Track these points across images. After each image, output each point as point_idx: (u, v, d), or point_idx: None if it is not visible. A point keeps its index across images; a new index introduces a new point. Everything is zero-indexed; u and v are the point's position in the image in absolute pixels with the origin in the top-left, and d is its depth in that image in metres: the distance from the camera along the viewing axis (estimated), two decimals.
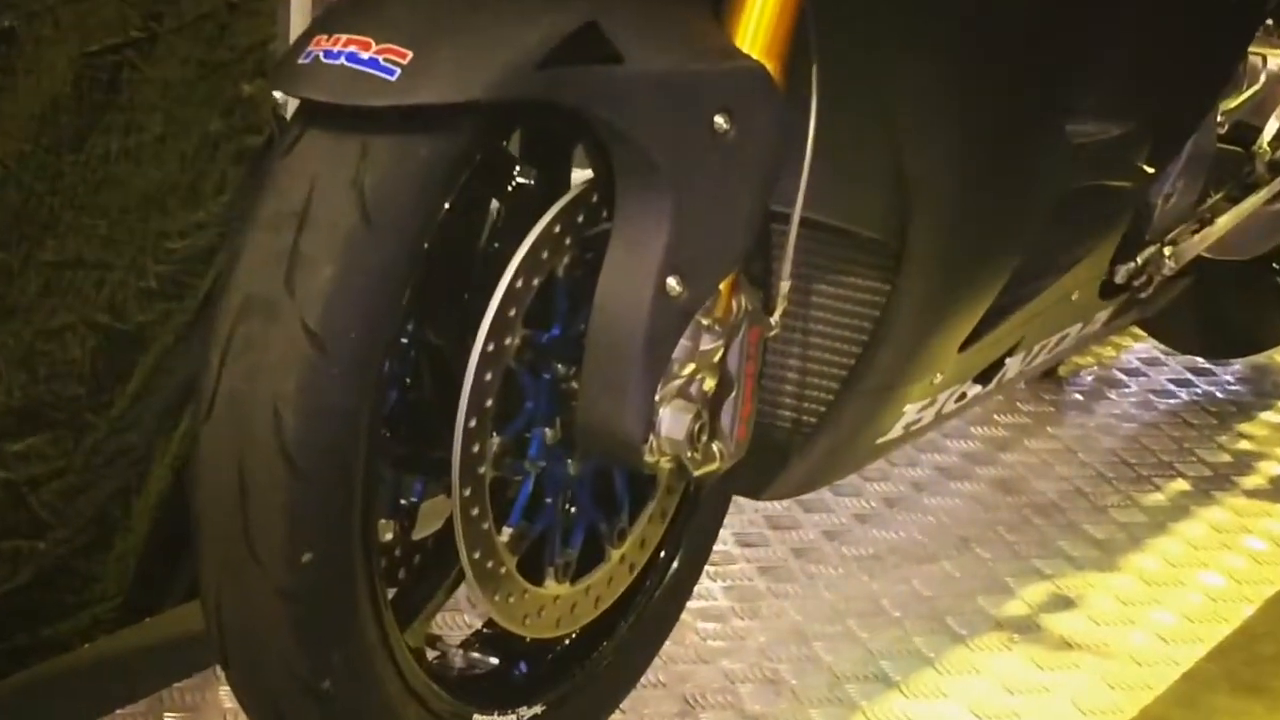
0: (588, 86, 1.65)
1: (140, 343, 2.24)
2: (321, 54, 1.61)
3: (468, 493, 1.70)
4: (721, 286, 1.78)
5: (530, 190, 1.76)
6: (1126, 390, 3.11)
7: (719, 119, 1.72)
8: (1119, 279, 2.38)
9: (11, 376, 2.11)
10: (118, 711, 2.03)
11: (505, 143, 1.75)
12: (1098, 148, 2.15)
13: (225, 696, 2.01)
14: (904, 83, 1.90)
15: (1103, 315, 2.43)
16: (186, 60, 2.24)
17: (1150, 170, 2.27)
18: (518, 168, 1.77)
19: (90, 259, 2.17)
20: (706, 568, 2.29)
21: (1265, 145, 2.57)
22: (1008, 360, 2.26)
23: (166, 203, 2.24)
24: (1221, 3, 2.28)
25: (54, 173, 2.12)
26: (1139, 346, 3.24)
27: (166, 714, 2.04)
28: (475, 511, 1.71)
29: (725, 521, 2.40)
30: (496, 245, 1.75)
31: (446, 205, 1.64)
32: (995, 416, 2.93)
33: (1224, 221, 2.55)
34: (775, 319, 1.88)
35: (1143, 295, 2.46)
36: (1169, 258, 2.45)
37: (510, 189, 1.76)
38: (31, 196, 2.10)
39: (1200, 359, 3.21)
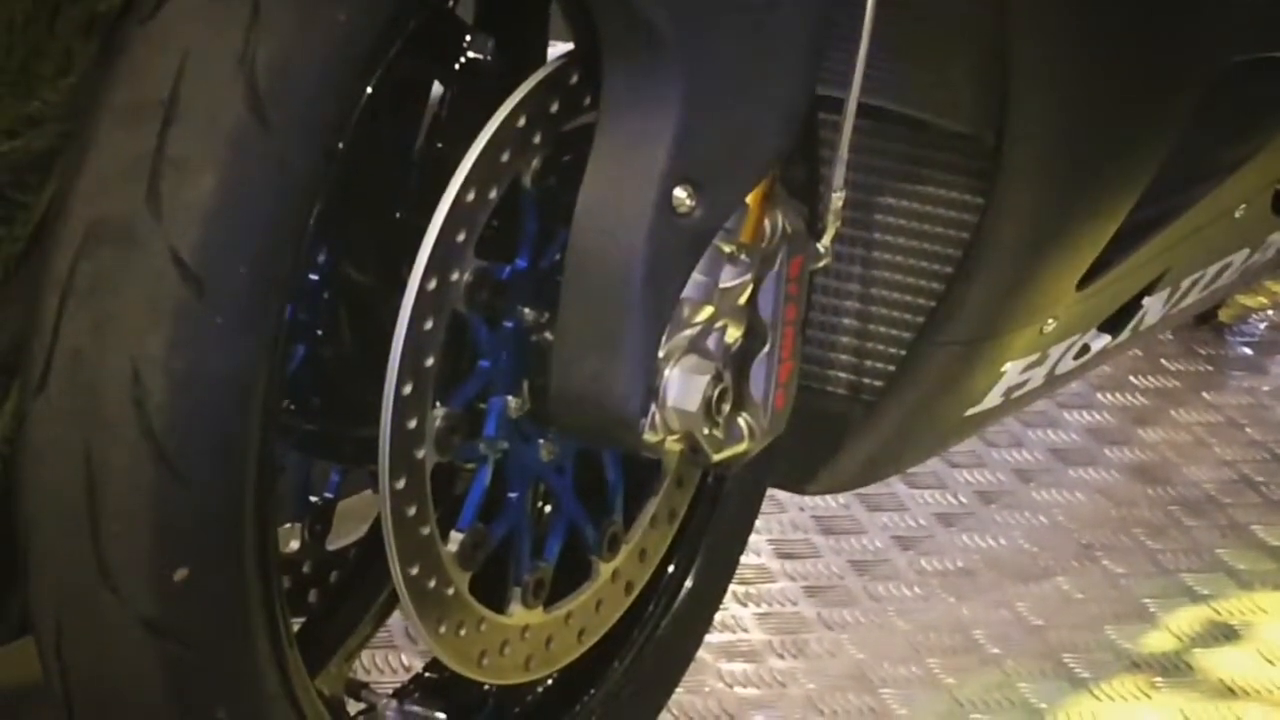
0: None
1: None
2: None
3: (401, 485, 1.70)
4: (749, 199, 1.78)
5: (486, 68, 1.78)
6: None
7: None
8: None
9: None
10: None
11: (452, 2, 1.76)
12: (1269, 4, 2.16)
13: None
14: None
15: (1277, 239, 2.44)
16: None
17: None
18: (469, 37, 1.78)
19: None
20: (737, 588, 2.31)
21: None
22: (1145, 300, 2.29)
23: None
24: None
25: None
26: None
27: None
28: (412, 511, 1.71)
29: (763, 524, 2.43)
30: (439, 145, 1.76)
31: (369, 89, 1.64)
32: (1132, 379, 2.95)
33: None
34: (825, 244, 1.88)
35: None
36: None
37: (459, 66, 1.78)
38: None
39: None
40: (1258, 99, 2.25)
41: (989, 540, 2.57)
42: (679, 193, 1.72)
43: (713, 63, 1.72)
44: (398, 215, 1.75)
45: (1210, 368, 3.02)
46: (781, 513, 2.54)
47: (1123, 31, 2.01)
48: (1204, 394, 2.94)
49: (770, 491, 2.10)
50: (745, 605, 2.41)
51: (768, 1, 1.73)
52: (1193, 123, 2.12)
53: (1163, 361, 3.01)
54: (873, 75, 1.88)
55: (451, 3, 1.76)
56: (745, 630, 2.37)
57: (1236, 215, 2.32)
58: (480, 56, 1.78)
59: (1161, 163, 2.11)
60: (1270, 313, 3.19)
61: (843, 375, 2.10)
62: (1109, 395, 2.90)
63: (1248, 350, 3.08)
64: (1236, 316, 3.14)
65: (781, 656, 2.33)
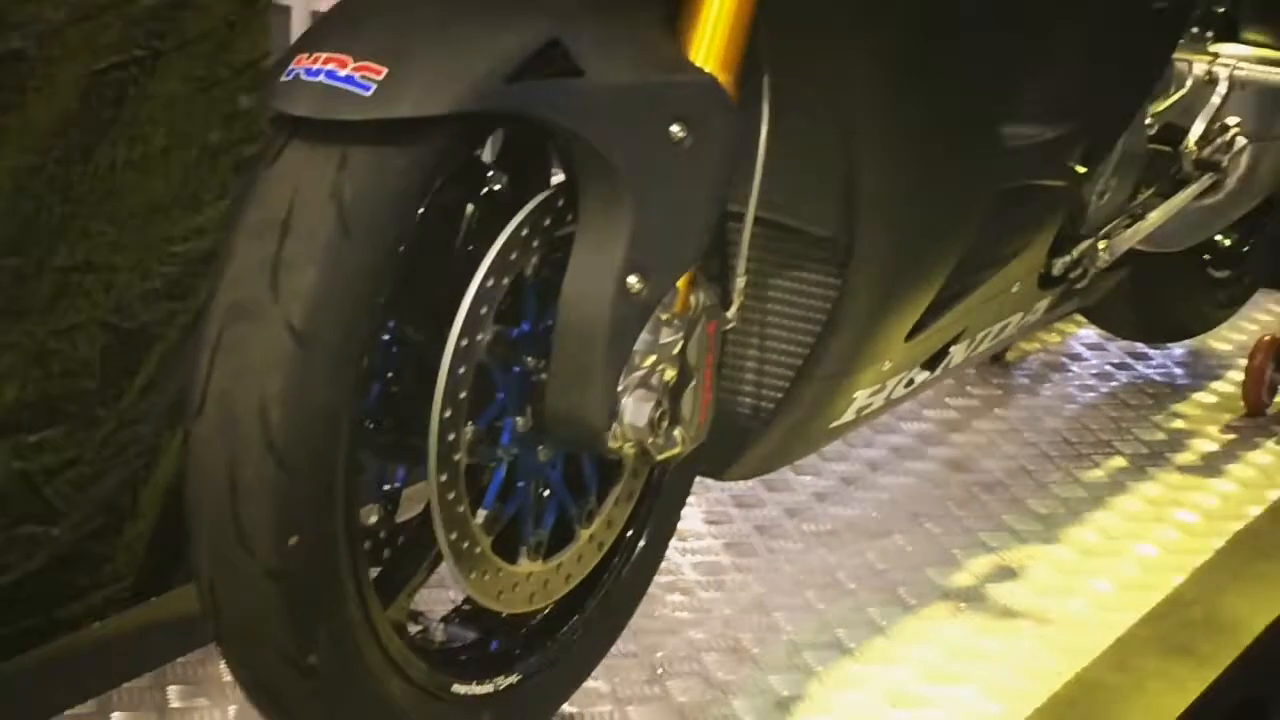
0: (551, 99, 1.65)
1: (146, 341, 2.24)
2: (303, 71, 1.61)
3: (444, 478, 1.69)
4: (679, 283, 1.78)
5: (502, 194, 1.76)
6: (1069, 374, 3.11)
7: (675, 128, 1.71)
8: (1056, 271, 2.38)
9: (26, 373, 2.11)
10: (125, 685, 2.03)
11: (478, 150, 1.75)
12: (1032, 150, 2.15)
13: (224, 671, 2.00)
14: (853, 91, 1.90)
15: (1042, 305, 2.43)
16: (187, 76, 2.24)
17: (1082, 170, 2.27)
18: (490, 173, 1.76)
19: (99, 263, 2.18)
20: (676, 544, 2.31)
21: (1192, 145, 2.57)
22: (953, 348, 2.26)
23: (170, 209, 2.24)
24: (1147, 13, 2.28)
25: (64, 184, 2.12)
26: (1082, 332, 3.23)
27: (169, 686, 2.04)
28: (452, 496, 1.71)
29: (694, 500, 2.43)
30: (470, 247, 1.74)
31: (421, 210, 1.64)
32: (946, 399, 2.93)
33: (1155, 217, 2.55)
34: (732, 313, 1.89)
35: (1079, 286, 2.46)
36: (1103, 251, 2.45)
37: (483, 194, 1.76)
38: (43, 206, 2.10)
39: (1139, 344, 3.20)
40: (1026, 212, 2.24)
41: (849, 510, 2.56)
42: (631, 280, 1.72)
43: (654, 193, 1.72)
44: (442, 295, 1.74)
45: (1000, 392, 3.00)
46: (708, 492, 2.53)
47: (934, 169, 2.01)
48: (995, 410, 2.92)
49: (699, 478, 2.08)
50: (683, 556, 2.40)
51: (690, 150, 1.73)
52: (983, 228, 2.12)
53: (967, 387, 2.99)
54: (763, 196, 1.88)
55: (478, 152, 1.75)
56: (683, 573, 2.36)
57: (1013, 290, 2.31)
58: (497, 186, 1.77)
59: (962, 255, 2.11)
60: (1042, 353, 3.17)
61: (748, 399, 2.07)
62: (931, 410, 2.89)
63: (1025, 379, 3.07)
64: (1019, 356, 3.13)
65: (707, 591, 2.33)
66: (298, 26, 3.81)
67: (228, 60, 2.28)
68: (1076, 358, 3.18)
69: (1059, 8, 2.09)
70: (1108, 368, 3.14)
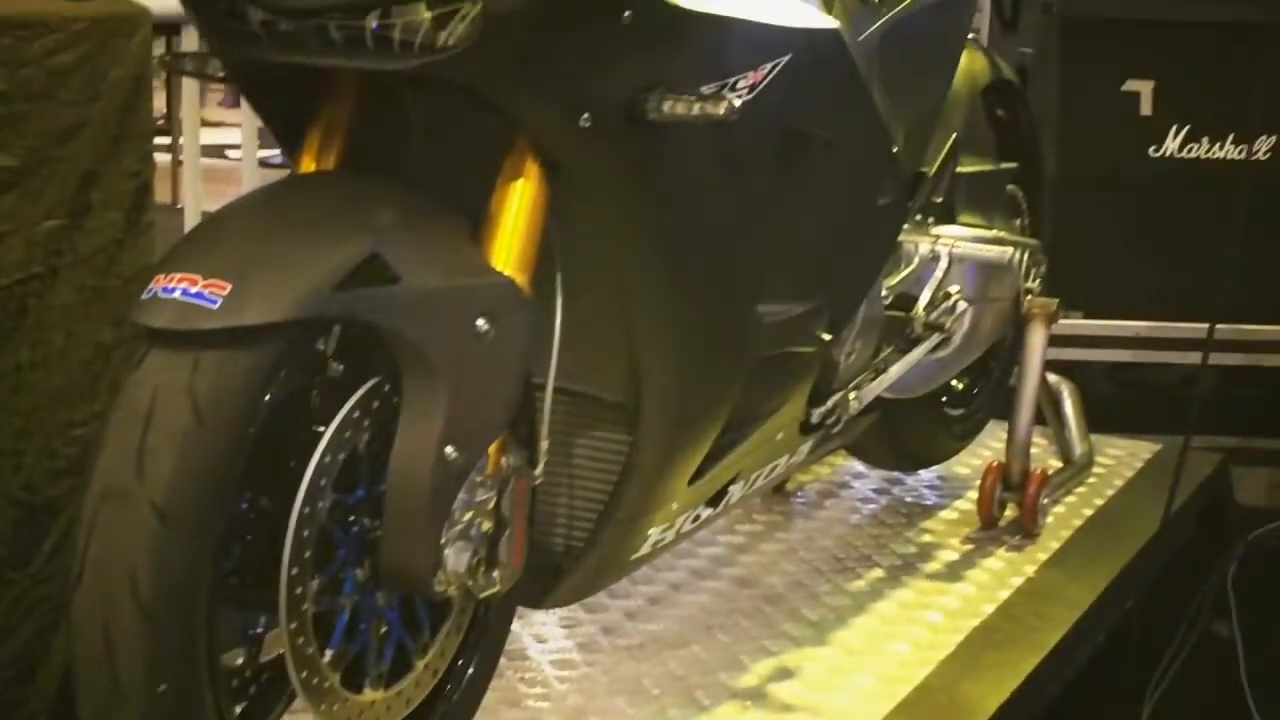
0: (372, 304, 1.65)
1: (52, 512, 2.19)
2: (160, 290, 1.60)
3: (294, 626, 1.67)
4: (490, 449, 1.77)
5: (339, 381, 1.74)
6: (839, 499, 3.11)
7: (480, 322, 1.72)
8: (815, 420, 2.39)
9: None
10: None
11: (319, 343, 1.73)
12: (785, 323, 2.17)
13: None
14: (632, 282, 1.91)
15: (805, 447, 2.45)
16: (82, 287, 2.21)
17: (828, 337, 2.29)
18: (329, 363, 1.75)
19: (7, 448, 2.13)
20: (509, 664, 2.27)
21: (921, 310, 2.61)
22: (731, 487, 2.27)
23: (69, 399, 2.20)
24: (873, 209, 2.32)
25: None
26: (848, 465, 3.25)
27: None
28: (301, 640, 1.68)
29: (525, 626, 2.40)
30: (312, 426, 1.72)
31: (267, 398, 1.62)
32: (736, 526, 2.92)
33: (895, 370, 2.58)
34: (538, 471, 1.88)
35: (836, 430, 2.48)
36: (854, 400, 2.47)
37: (323, 380, 1.74)
38: None
39: (895, 472, 3.23)
40: (783, 374, 2.25)
41: (655, 625, 2.53)
42: (449, 450, 1.71)
43: (464, 377, 1.71)
44: (291, 464, 1.71)
45: (781, 517, 3.00)
46: (535, 616, 2.48)
47: (703, 344, 2.03)
48: (777, 533, 2.92)
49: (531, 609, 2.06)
50: (515, 674, 2.35)
51: (494, 340, 1.73)
52: (746, 390, 2.13)
53: (754, 514, 2.99)
54: (562, 370, 1.88)
55: (320, 345, 1.74)
56: (515, 688, 2.32)
57: (779, 437, 2.32)
58: (335, 375, 1.76)
59: (731, 412, 2.12)
60: (815, 483, 3.18)
61: (560, 539, 2.06)
62: (723, 536, 2.88)
63: (802, 505, 3.07)
64: (796, 486, 3.14)
65: (535, 701, 2.29)
66: (190, 224, 3.78)
67: (118, 272, 2.25)
68: (845, 485, 3.19)
69: (801, 209, 2.12)
70: (869, 493, 3.16)
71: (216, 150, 5.07)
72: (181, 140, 4.74)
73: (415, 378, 1.70)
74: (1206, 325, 3.89)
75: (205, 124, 5.12)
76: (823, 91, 2.06)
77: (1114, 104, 4.08)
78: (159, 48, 3.91)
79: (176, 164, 5.03)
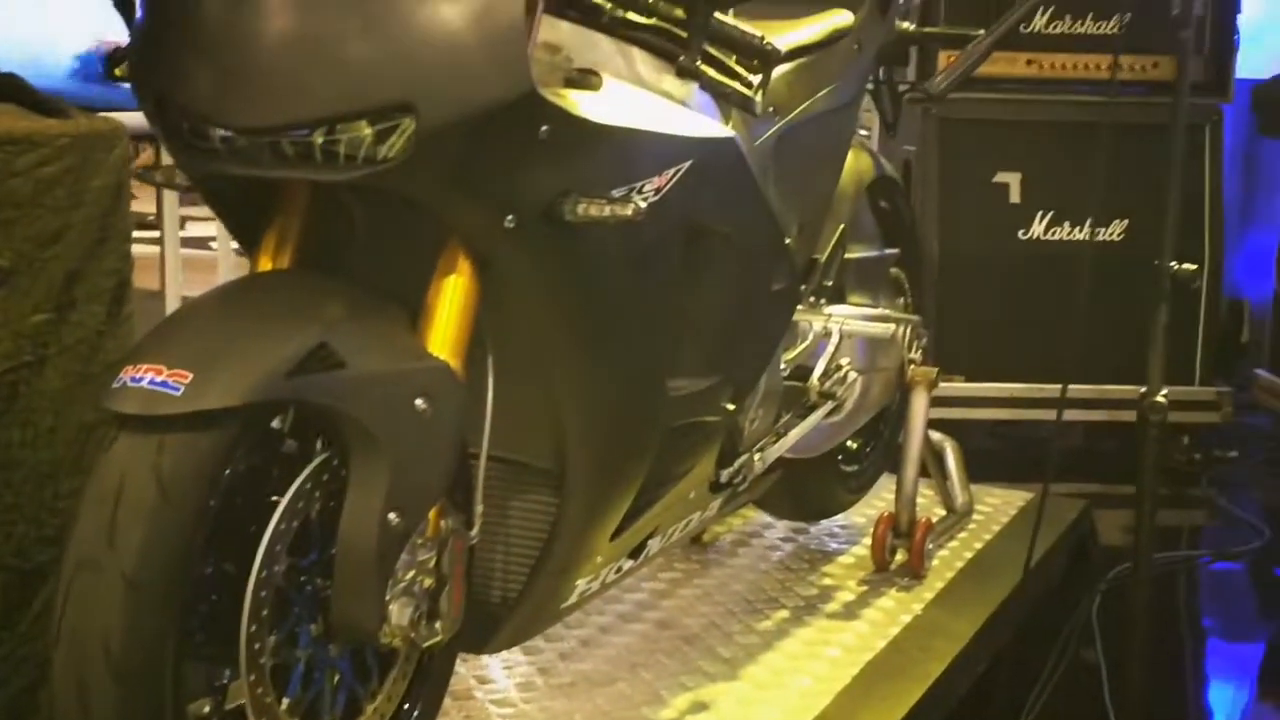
0: (321, 387, 1.64)
1: (41, 576, 2.15)
2: (128, 379, 1.59)
3: (253, 678, 1.65)
4: (430, 514, 1.76)
5: (293, 456, 1.73)
6: (749, 548, 3.11)
7: (419, 402, 1.71)
8: (723, 479, 2.39)
9: None
10: None
11: (275, 422, 1.72)
12: (692, 396, 2.17)
13: None
14: (555, 364, 1.91)
15: (716, 504, 2.44)
16: (67, 373, 2.18)
17: (732, 407, 2.29)
18: (284, 440, 1.73)
19: (0, 518, 2.10)
20: (454, 704, 2.25)
21: (816, 381, 2.61)
22: (650, 541, 2.26)
23: (57, 474, 2.17)
24: (767, 294, 2.32)
25: None
26: (757, 517, 3.24)
27: None
28: (260, 690, 1.66)
29: (468, 669, 2.38)
30: (269, 497, 1.71)
31: (226, 473, 1.61)
32: (658, 574, 2.91)
33: (794, 434, 2.58)
34: (474, 532, 1.87)
35: (742, 488, 2.48)
36: (758, 461, 2.47)
37: (278, 455, 1.73)
38: None
39: (798, 523, 3.23)
40: (692, 440, 2.24)
41: (586, 665, 2.51)
42: (392, 516, 1.70)
43: (405, 451, 1.70)
44: (250, 531, 1.70)
45: (699, 565, 2.99)
46: (478, 660, 2.47)
47: (619, 415, 2.02)
48: (695, 580, 2.91)
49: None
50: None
51: (431, 417, 1.72)
52: (659, 455, 2.12)
53: (674, 563, 2.97)
54: (496, 439, 1.88)
55: (275, 424, 1.73)
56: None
57: (691, 496, 2.32)
58: (289, 450, 1.74)
59: (646, 475, 2.11)
60: (729, 534, 3.17)
61: (497, 591, 2.04)
62: (647, 582, 2.86)
63: (717, 555, 3.06)
64: (712, 537, 3.13)
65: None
66: (170, 310, 3.75)
67: (100, 359, 2.23)
68: (755, 535, 3.18)
69: (705, 295, 2.12)
70: (777, 541, 3.15)
71: (200, 242, 5.06)
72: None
73: (361, 452, 1.69)
74: (1101, 386, 3.97)
75: (191, 219, 5.11)
76: (721, 192, 2.07)
77: (987, 194, 4.13)
78: (150, 157, 3.91)
79: (164, 255, 5.04)
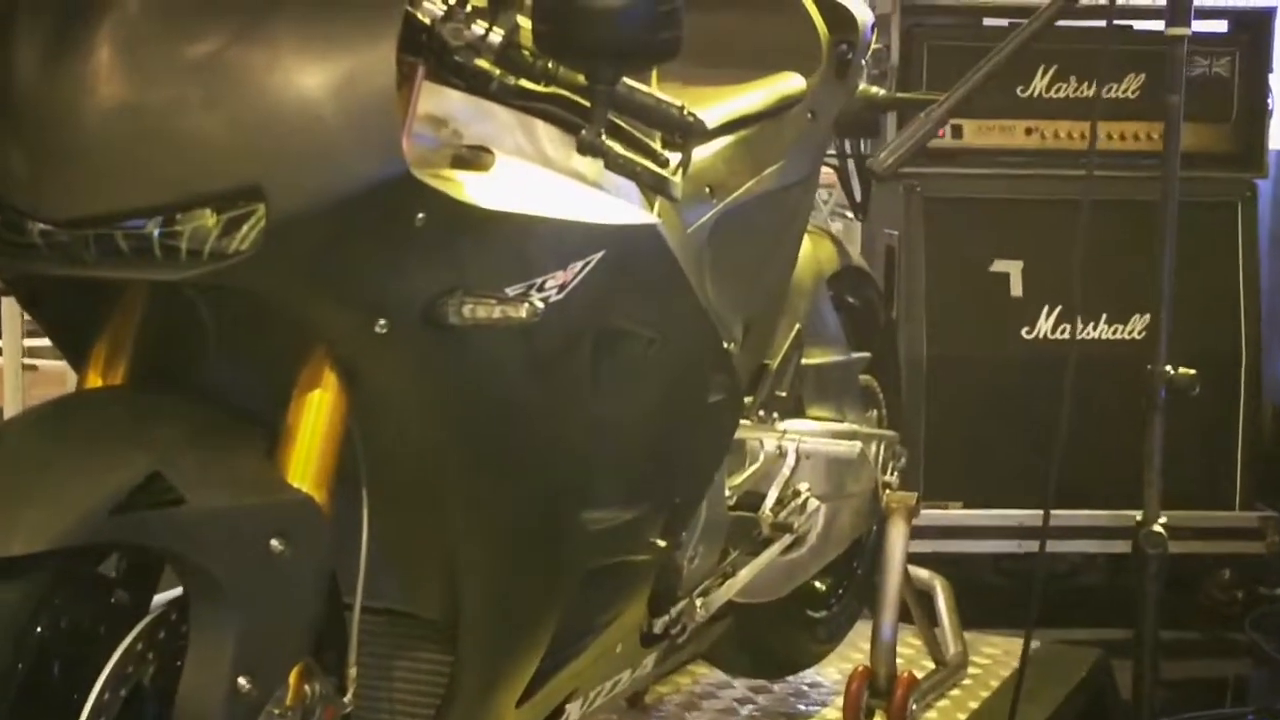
0: (154, 527, 1.64)
1: None
2: None
3: None
4: (290, 678, 1.76)
5: (123, 609, 1.72)
6: (700, 712, 3.10)
7: (274, 542, 1.71)
8: (658, 630, 2.39)
9: None
10: None
11: (100, 570, 1.72)
12: (613, 530, 2.17)
13: None
14: (442, 494, 1.92)
15: (650, 659, 2.44)
16: None
17: (663, 543, 2.30)
18: (114, 590, 1.73)
19: None
20: None
21: (768, 510, 2.62)
22: (568, 706, 2.25)
23: None
24: (703, 408, 2.33)
25: None
26: (710, 674, 3.23)
27: None
28: None
29: None
30: (92, 659, 1.68)
31: (40, 629, 1.60)
32: None
33: (744, 574, 2.59)
34: (348, 698, 1.86)
35: (682, 640, 2.48)
36: (700, 608, 2.47)
37: (103, 608, 1.72)
38: None
39: (759, 680, 3.22)
40: (615, 583, 2.25)
41: None
42: (241, 680, 1.69)
43: (258, 601, 1.70)
44: (73, 699, 1.67)
45: None
46: None
47: (522, 555, 2.03)
48: None
49: None
50: None
51: (290, 560, 1.72)
52: (575, 602, 2.12)
53: None
54: (376, 588, 1.88)
55: (102, 572, 1.73)
56: None
57: (618, 650, 2.32)
58: (118, 601, 1.74)
59: (558, 627, 2.11)
60: (676, 695, 3.16)
61: None
62: None
63: (662, 719, 3.05)
64: (656, 699, 3.12)
65: None
66: None
67: None
68: (708, 695, 3.18)
69: (625, 410, 2.13)
70: (733, 703, 3.15)
71: (54, 351, 5.09)
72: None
73: (203, 605, 1.68)
74: (1093, 512, 3.98)
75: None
76: (641, 288, 2.09)
77: (983, 285, 4.17)
78: None
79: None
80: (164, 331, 1.85)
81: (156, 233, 1.66)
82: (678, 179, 1.90)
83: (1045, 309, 4.18)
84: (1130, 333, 4.16)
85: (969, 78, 2.66)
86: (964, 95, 2.57)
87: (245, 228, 1.65)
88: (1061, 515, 3.84)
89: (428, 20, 1.75)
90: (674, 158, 1.91)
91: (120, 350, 1.84)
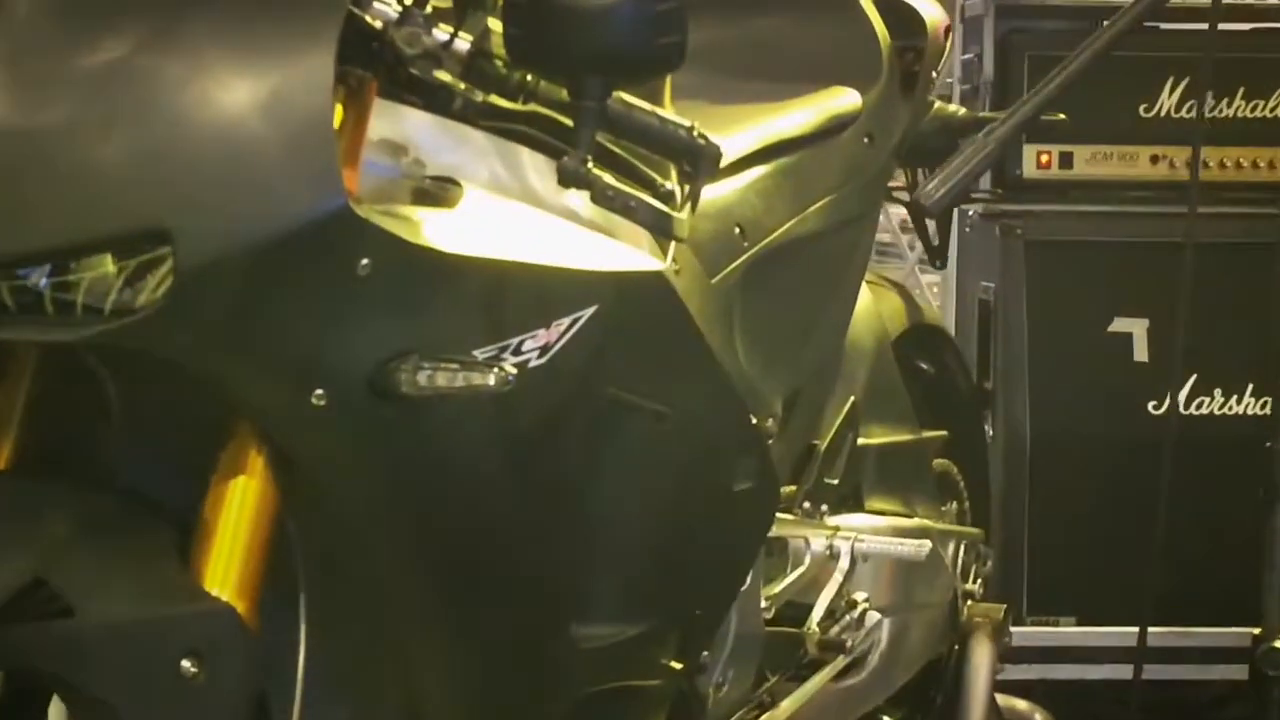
0: (36, 645, 1.65)
1: None
2: None
3: None
4: None
5: None
6: None
7: (186, 662, 1.71)
8: None
9: None
10: None
11: None
12: (613, 649, 2.17)
13: None
14: (398, 604, 1.92)
15: None
16: None
17: (679, 665, 2.29)
18: None
19: None
20: None
21: (815, 626, 2.61)
22: None
23: None
24: (727, 497, 2.33)
25: None
26: None
27: None
28: None
29: None
30: None
31: None
32: None
33: (787, 705, 2.59)
34: None
35: None
36: None
37: None
38: None
39: None
40: (618, 715, 2.25)
41: None
42: None
43: None
44: None
45: None
46: None
47: (499, 681, 2.02)
48: None
49: None
50: None
51: (206, 682, 1.72)
52: None
53: None
54: (314, 711, 1.88)
55: None
56: None
57: None
58: None
59: None
60: None
61: None
62: None
63: None
64: None
65: None
66: None
67: None
68: None
69: (626, 502, 2.13)
70: None
71: None
72: None
73: None
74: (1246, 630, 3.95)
75: None
76: (645, 351, 2.09)
77: (1100, 348, 4.16)
78: None
79: None
80: (56, 404, 1.86)
81: (44, 283, 1.67)
82: (684, 215, 1.90)
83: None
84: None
85: (1041, 87, 2.66)
86: (1036, 109, 2.56)
87: (152, 278, 1.66)
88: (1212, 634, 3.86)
89: (379, 23, 1.76)
90: (679, 189, 1.91)
91: (3, 427, 1.85)
